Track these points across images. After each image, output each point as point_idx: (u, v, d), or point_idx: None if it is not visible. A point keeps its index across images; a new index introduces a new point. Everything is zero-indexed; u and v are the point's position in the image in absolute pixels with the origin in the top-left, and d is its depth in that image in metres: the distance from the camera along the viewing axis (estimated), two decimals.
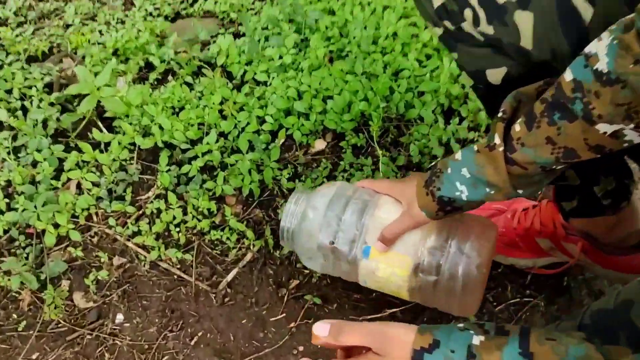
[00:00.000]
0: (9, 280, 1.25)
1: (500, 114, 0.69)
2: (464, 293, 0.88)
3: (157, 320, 1.25)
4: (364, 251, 0.94)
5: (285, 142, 1.51)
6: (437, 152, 1.42)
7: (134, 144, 1.46)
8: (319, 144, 1.52)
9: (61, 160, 1.41)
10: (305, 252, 1.02)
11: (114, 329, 1.24)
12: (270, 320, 1.23)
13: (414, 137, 1.51)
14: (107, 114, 1.54)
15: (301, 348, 1.21)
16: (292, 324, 1.26)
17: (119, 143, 1.42)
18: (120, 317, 1.26)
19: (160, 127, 1.42)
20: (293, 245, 1.06)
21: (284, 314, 1.24)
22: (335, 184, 1.04)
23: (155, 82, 1.69)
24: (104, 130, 1.51)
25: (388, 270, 0.93)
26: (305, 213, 1.02)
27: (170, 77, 1.69)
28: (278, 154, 1.42)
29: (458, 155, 0.77)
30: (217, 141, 1.43)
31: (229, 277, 1.33)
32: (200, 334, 1.22)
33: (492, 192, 0.73)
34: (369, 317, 1.25)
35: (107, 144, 1.44)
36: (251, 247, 1.33)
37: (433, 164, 1.44)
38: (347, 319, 1.20)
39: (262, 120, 1.45)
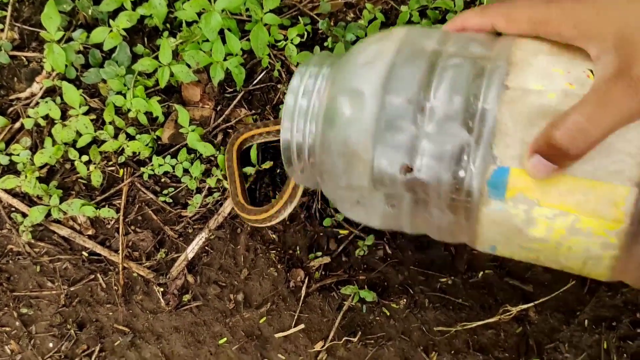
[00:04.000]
0: None
1: None
2: None
3: (49, 344, 0.81)
4: (492, 180, 0.47)
5: None
6: None
7: None
8: None
9: None
10: (344, 194, 0.55)
11: None
12: (273, 338, 0.78)
13: None
14: None
15: None
16: (319, 346, 0.77)
17: None
18: None
19: None
20: (315, 181, 0.59)
21: (302, 326, 0.77)
22: (393, 32, 0.54)
23: None
24: None
25: (562, 221, 0.47)
26: (335, 105, 0.52)
27: None
28: None
29: None
30: None
31: (190, 251, 0.80)
32: None
33: None
34: (475, 323, 0.75)
35: None
36: None
37: None
38: (433, 331, 0.77)
39: None
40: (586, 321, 0.73)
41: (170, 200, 0.80)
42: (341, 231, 0.78)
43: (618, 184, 0.45)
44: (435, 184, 0.48)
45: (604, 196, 0.46)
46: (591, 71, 0.46)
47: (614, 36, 0.44)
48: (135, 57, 0.88)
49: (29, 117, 0.84)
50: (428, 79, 0.49)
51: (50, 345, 0.79)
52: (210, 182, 0.80)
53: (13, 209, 0.82)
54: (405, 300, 0.76)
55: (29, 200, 0.83)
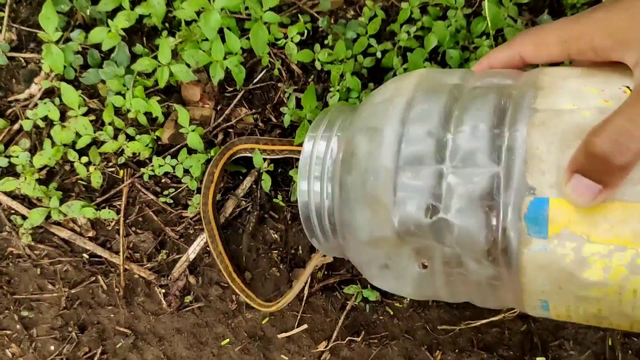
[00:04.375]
0: None
1: None
2: None
3: (50, 346, 0.81)
4: (529, 215, 0.40)
5: None
6: None
7: None
8: None
9: None
10: (369, 253, 0.50)
11: None
12: (276, 338, 0.78)
13: None
14: None
15: None
16: (323, 346, 0.77)
17: None
18: None
19: None
20: (340, 246, 0.54)
21: (305, 326, 0.77)
22: (413, 72, 0.51)
23: None
24: None
25: (621, 257, 0.38)
26: (352, 145, 0.49)
27: None
28: None
29: None
30: None
31: (192, 251, 0.80)
32: None
33: None
34: (480, 322, 0.75)
35: None
36: (232, 188, 0.82)
37: None
38: (437, 330, 0.76)
39: None
40: None
41: (171, 201, 0.80)
42: None
43: None
44: (466, 226, 0.42)
45: None
46: (628, 87, 0.41)
47: None
48: (134, 57, 0.87)
49: (27, 118, 0.83)
50: (450, 109, 0.44)
51: (52, 348, 0.79)
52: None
53: (13, 211, 0.82)
54: (408, 299, 0.76)
55: (29, 203, 0.83)
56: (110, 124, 0.83)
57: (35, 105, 0.86)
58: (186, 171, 0.80)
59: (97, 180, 0.81)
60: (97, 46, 0.87)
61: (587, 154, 0.38)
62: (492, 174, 0.41)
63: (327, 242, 0.55)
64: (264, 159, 0.78)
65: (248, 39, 0.87)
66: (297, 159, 0.78)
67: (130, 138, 0.83)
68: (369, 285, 0.76)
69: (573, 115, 0.40)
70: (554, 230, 0.39)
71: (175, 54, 0.86)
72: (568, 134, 0.40)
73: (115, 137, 0.82)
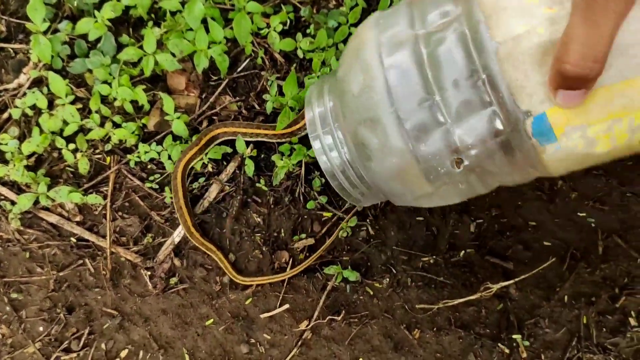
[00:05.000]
0: None
1: None
2: None
3: (39, 327, 0.84)
4: (535, 131, 0.48)
5: None
6: None
7: None
8: None
9: None
10: (418, 197, 0.58)
11: None
12: (259, 318, 0.81)
13: None
14: None
15: None
16: (304, 325, 0.80)
17: None
18: None
19: None
20: (379, 196, 0.64)
21: (287, 306, 0.80)
22: (363, 38, 0.57)
23: None
24: None
25: (620, 127, 0.49)
26: (361, 139, 0.55)
27: None
28: None
29: None
30: None
31: (177, 235, 0.82)
32: (124, 354, 0.81)
33: None
34: (457, 301, 0.77)
35: None
36: (216, 173, 0.85)
37: None
38: (416, 309, 0.78)
39: None
40: (566, 297, 0.76)
41: (157, 186, 0.83)
42: (325, 213, 0.80)
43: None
44: (491, 162, 0.50)
45: None
46: None
47: None
48: (120, 47, 0.90)
49: (16, 107, 0.86)
50: (423, 74, 0.50)
51: (41, 329, 0.81)
52: (196, 165, 0.82)
53: (2, 196, 0.85)
54: (388, 279, 0.78)
55: (18, 188, 0.85)
56: (97, 112, 0.85)
57: (24, 94, 0.88)
58: (171, 157, 0.83)
59: (84, 167, 0.83)
60: (84, 36, 0.89)
61: (564, 77, 0.44)
62: (490, 115, 0.48)
63: (361, 194, 0.62)
64: (247, 143, 0.80)
65: (232, 28, 0.90)
66: (280, 144, 0.81)
67: (116, 125, 0.85)
68: (349, 266, 0.78)
69: (531, 37, 0.46)
70: (560, 132, 0.48)
71: (161, 44, 0.89)
72: (535, 56, 0.46)
73: (102, 125, 0.85)
